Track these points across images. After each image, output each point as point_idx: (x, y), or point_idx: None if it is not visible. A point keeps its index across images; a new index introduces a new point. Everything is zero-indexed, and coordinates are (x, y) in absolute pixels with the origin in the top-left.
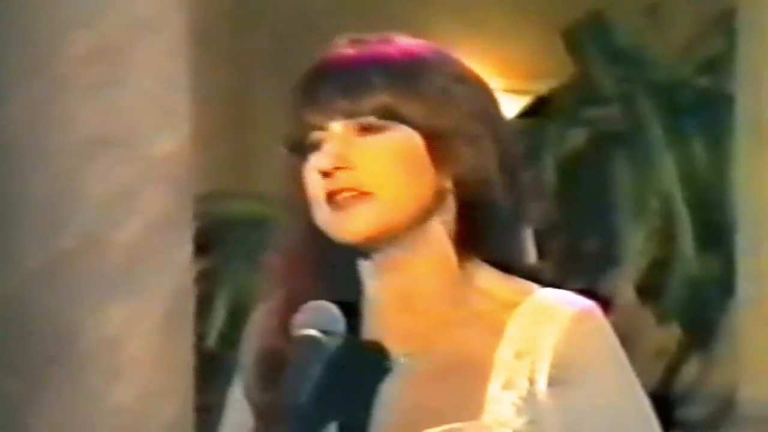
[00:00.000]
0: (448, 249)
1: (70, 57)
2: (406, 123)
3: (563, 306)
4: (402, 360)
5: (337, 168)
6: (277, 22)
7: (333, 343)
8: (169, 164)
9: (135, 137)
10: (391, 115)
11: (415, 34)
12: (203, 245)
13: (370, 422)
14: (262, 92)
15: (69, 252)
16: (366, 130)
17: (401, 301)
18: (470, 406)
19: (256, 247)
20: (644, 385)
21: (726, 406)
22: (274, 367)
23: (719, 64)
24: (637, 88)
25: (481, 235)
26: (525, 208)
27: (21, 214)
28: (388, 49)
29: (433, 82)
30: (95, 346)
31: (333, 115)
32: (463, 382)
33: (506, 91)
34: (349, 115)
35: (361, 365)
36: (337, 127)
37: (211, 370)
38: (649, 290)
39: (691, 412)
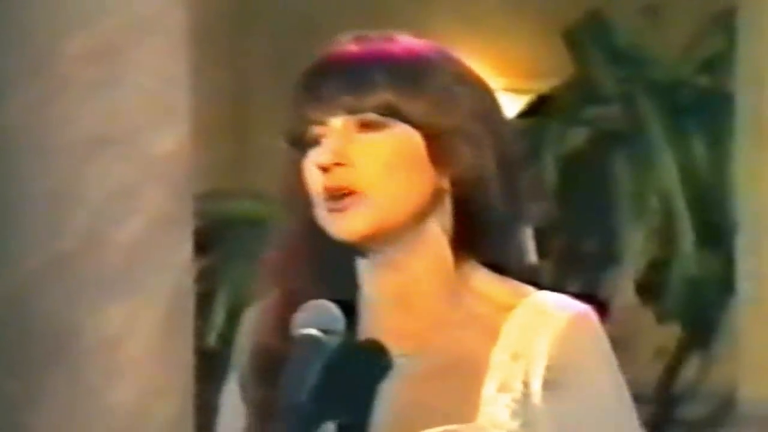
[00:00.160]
0: (445, 250)
1: (69, 56)
2: (406, 121)
3: (559, 310)
4: (398, 360)
5: (336, 164)
6: (276, 22)
7: (333, 342)
8: (169, 164)
9: (135, 137)
10: (392, 113)
11: (416, 33)
12: (203, 244)
13: (368, 421)
14: (262, 92)
15: (69, 251)
16: (366, 126)
17: (397, 300)
18: (465, 407)
19: (255, 247)
20: (644, 384)
21: (726, 405)
22: (270, 365)
23: (719, 63)
24: (637, 87)
25: (478, 237)
26: (523, 209)
27: (20, 213)
28: (391, 47)
29: (435, 81)
30: (95, 346)
31: (334, 110)
32: (458, 383)
33: (506, 90)
34: (350, 111)
35: (361, 364)
36: (337, 122)
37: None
38: (649, 289)
39: (692, 410)
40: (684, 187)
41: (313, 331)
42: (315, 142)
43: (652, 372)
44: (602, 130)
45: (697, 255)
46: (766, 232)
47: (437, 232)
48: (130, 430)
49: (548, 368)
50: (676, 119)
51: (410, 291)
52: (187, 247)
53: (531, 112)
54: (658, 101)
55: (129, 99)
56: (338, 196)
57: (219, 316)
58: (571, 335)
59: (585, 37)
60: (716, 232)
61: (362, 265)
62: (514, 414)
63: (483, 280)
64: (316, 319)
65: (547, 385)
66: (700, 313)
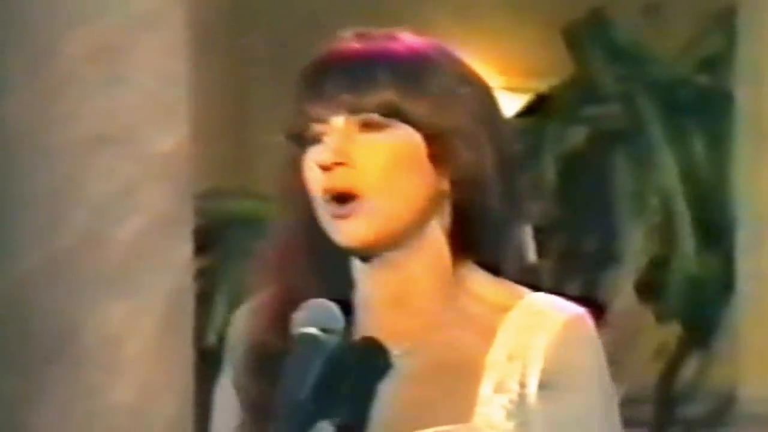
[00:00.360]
0: (444, 250)
1: (70, 55)
2: (408, 122)
3: (555, 312)
4: (393, 359)
5: (337, 163)
6: (276, 21)
7: (333, 341)
8: (169, 162)
9: (135, 135)
10: (394, 113)
11: (416, 33)
12: (203, 243)
13: (366, 421)
14: (261, 90)
15: (69, 250)
16: (367, 126)
17: (393, 299)
18: (460, 407)
19: (255, 246)
20: (644, 384)
21: (726, 404)
22: (265, 362)
23: (719, 62)
24: (637, 86)
25: (476, 237)
26: (522, 210)
27: (21, 212)
28: (394, 46)
29: (437, 81)
30: (95, 344)
31: (336, 108)
32: (454, 383)
33: (506, 89)
34: (352, 110)
35: (361, 363)
36: (338, 121)
37: (210, 369)
38: (649, 288)
39: (691, 409)
40: (684, 187)
41: (313, 330)
42: (315, 139)
43: (652, 371)
44: (602, 129)
45: (697, 254)
46: (766, 231)
47: (438, 233)
48: (130, 429)
49: (544, 370)
50: (676, 118)
51: (406, 290)
52: (187, 246)
53: (530, 111)
54: (658, 100)
55: (129, 98)
56: (340, 200)
57: (219, 316)
58: (567, 338)
59: (585, 36)
60: (716, 231)
61: (358, 264)
62: (510, 415)
63: (479, 281)
64: (315, 318)
65: (542, 386)
66: (700, 313)
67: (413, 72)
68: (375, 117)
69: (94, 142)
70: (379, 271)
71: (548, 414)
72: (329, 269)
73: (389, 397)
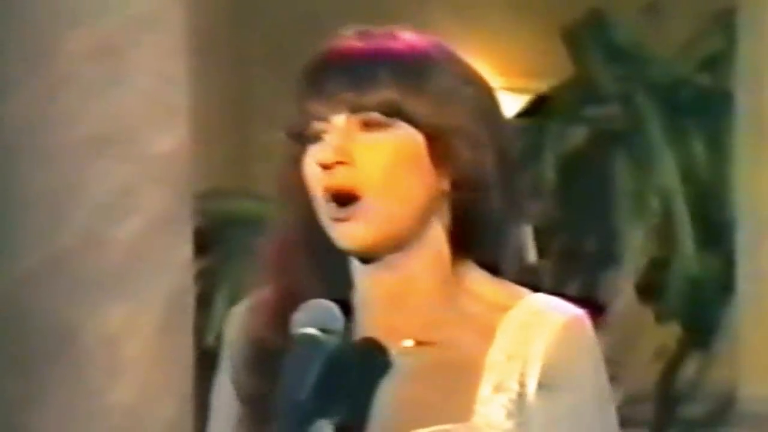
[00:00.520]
0: (444, 250)
1: (69, 56)
2: (409, 121)
3: (554, 313)
4: (393, 358)
5: (338, 162)
6: (276, 21)
7: (332, 341)
8: (169, 163)
9: (134, 136)
10: (395, 112)
11: (417, 31)
12: (203, 244)
13: (366, 420)
14: (261, 91)
15: (68, 250)
16: (368, 126)
17: (392, 298)
18: (460, 406)
19: (255, 245)
20: (644, 384)
21: (726, 404)
22: (264, 358)
23: (719, 61)
24: (636, 86)
25: (475, 237)
26: (522, 210)
27: (20, 212)
28: (395, 45)
29: (439, 80)
30: (95, 345)
31: (337, 107)
32: (453, 382)
33: (506, 89)
34: (353, 108)
35: (361, 363)
36: (339, 120)
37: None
38: (649, 289)
39: (691, 409)
40: (684, 187)
41: (313, 331)
42: (316, 137)
43: (652, 371)
44: (602, 129)
45: (697, 255)
46: (766, 231)
47: (437, 232)
48: (129, 429)
49: (543, 370)
50: (675, 118)
51: (406, 290)
52: (186, 247)
53: (530, 111)
54: (657, 100)
55: (129, 98)
56: (340, 201)
57: (219, 316)
58: (566, 338)
59: (584, 37)
60: (716, 231)
61: (358, 264)
62: (509, 414)
63: (478, 280)
64: (315, 318)
65: (541, 386)
66: (700, 313)
67: (414, 71)
68: (376, 116)
69: (94, 142)
70: (378, 271)
71: (546, 414)
72: (329, 268)
73: (388, 397)
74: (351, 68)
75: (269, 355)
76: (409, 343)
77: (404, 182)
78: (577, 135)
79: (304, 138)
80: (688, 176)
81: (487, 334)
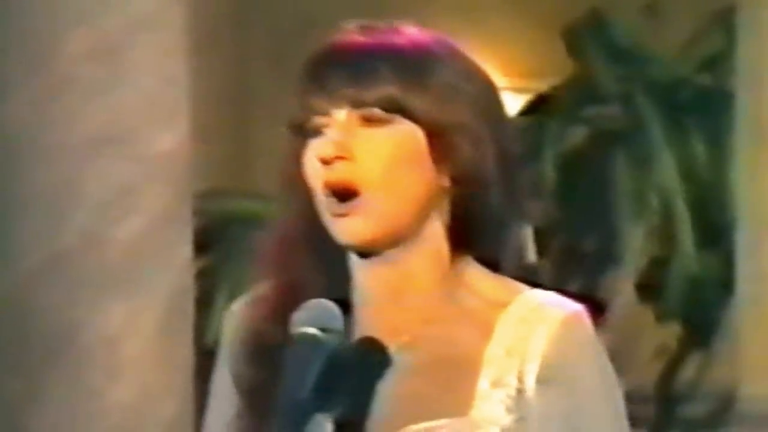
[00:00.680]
0: (443, 246)
1: (70, 56)
2: (410, 116)
3: (553, 308)
4: (391, 354)
5: (338, 157)
6: (276, 21)
7: (332, 340)
8: (169, 162)
9: (135, 135)
10: (396, 108)
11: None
12: (203, 243)
13: (366, 418)
14: (261, 91)
15: (69, 250)
16: (369, 121)
17: (391, 294)
18: (459, 402)
19: (255, 241)
20: (644, 383)
21: (726, 404)
22: (263, 351)
23: (719, 61)
24: (637, 86)
25: (474, 234)
26: (522, 207)
27: (21, 212)
28: (397, 40)
29: (440, 76)
30: (95, 345)
31: (338, 102)
32: (452, 378)
33: (506, 89)
34: (354, 103)
35: (360, 362)
36: (340, 114)
37: (210, 369)
38: (649, 288)
39: (691, 409)
40: (684, 187)
41: (313, 330)
42: (317, 132)
43: (652, 371)
44: (602, 129)
45: (697, 254)
46: (766, 231)
47: (437, 229)
48: (129, 429)
49: (542, 366)
50: (675, 118)
51: (404, 285)
52: (187, 246)
53: (531, 111)
54: (657, 100)
55: (129, 98)
56: (341, 196)
57: (219, 316)
58: (565, 334)
59: (585, 36)
60: (716, 231)
61: (356, 259)
62: (508, 410)
63: (477, 276)
64: (315, 317)
65: (541, 382)
66: (700, 313)
67: (416, 66)
68: (377, 111)
69: (94, 142)
70: (377, 266)
71: (547, 409)
72: (328, 262)
73: (387, 392)
74: (352, 63)
75: (268, 348)
76: (408, 338)
77: (404, 178)
78: (577, 135)
79: (304, 132)
80: (688, 176)
81: (486, 329)
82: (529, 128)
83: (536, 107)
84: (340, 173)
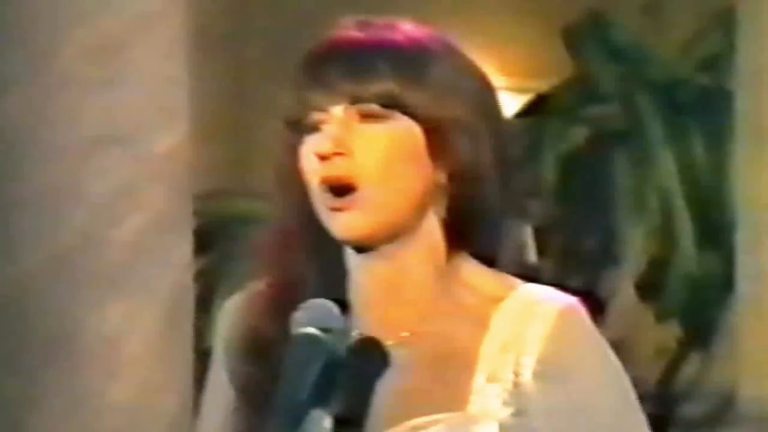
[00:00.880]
0: (439, 242)
1: (69, 55)
2: (408, 113)
3: (548, 302)
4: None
5: (336, 153)
6: (276, 21)
7: (332, 340)
8: (169, 162)
9: (135, 135)
10: (394, 104)
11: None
12: (203, 243)
13: (365, 413)
14: (261, 91)
15: (68, 250)
16: (367, 117)
17: (387, 290)
18: (455, 397)
19: (252, 239)
20: (644, 383)
21: (726, 404)
22: (260, 347)
23: (719, 61)
24: (636, 86)
25: (471, 230)
26: (519, 205)
27: (20, 212)
28: (395, 36)
29: (438, 72)
30: (95, 344)
31: (336, 97)
32: (448, 373)
33: (506, 89)
34: (352, 99)
35: (360, 362)
36: (338, 110)
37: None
38: (648, 288)
39: (691, 409)
40: (684, 186)
41: (313, 330)
42: (314, 128)
43: (652, 371)
44: (602, 128)
45: (696, 254)
46: (765, 231)
47: (433, 224)
48: (129, 428)
49: (538, 359)
50: (675, 118)
51: (400, 281)
52: (187, 246)
53: (531, 111)
54: (657, 100)
55: (129, 98)
56: (338, 191)
57: None
58: (561, 327)
59: (584, 36)
60: (716, 231)
61: (352, 254)
62: (505, 404)
63: (472, 271)
64: (315, 317)
65: (538, 375)
66: (700, 312)
67: (414, 62)
68: (374, 107)
69: (93, 142)
70: (373, 261)
71: (549, 403)
72: (324, 258)
73: (385, 388)
74: (350, 58)
75: (265, 345)
76: (404, 334)
77: (402, 174)
78: (577, 135)
79: (301, 127)
80: (688, 176)
81: (482, 324)
82: (529, 128)
83: (536, 107)
84: (338, 169)
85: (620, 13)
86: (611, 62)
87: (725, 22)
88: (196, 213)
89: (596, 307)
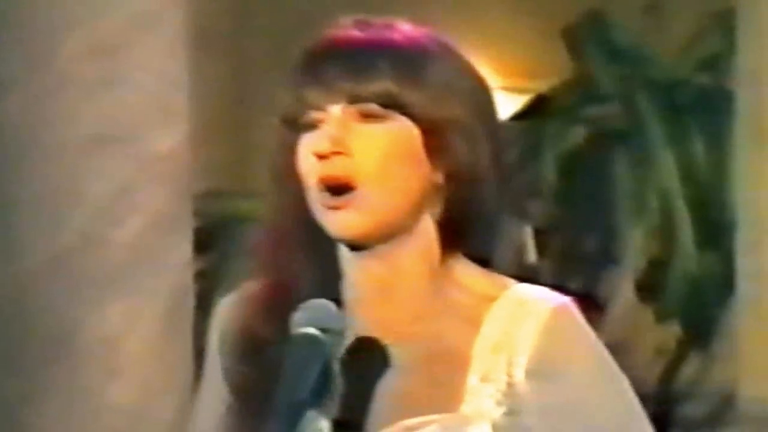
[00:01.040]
0: (434, 242)
1: (69, 55)
2: (406, 113)
3: (540, 301)
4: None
5: (335, 152)
6: (276, 21)
7: (332, 340)
8: (169, 163)
9: (134, 135)
10: (392, 103)
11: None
12: (203, 244)
13: (362, 416)
14: (261, 91)
15: (68, 250)
16: (365, 117)
17: (381, 289)
18: (449, 397)
19: (249, 239)
20: (644, 383)
21: (726, 404)
22: (255, 348)
23: (719, 61)
24: (636, 86)
25: (466, 230)
26: (517, 205)
27: (20, 212)
28: (394, 35)
29: (436, 72)
30: (94, 345)
31: (335, 96)
32: (442, 373)
33: (506, 89)
34: (351, 98)
35: (360, 362)
36: (336, 110)
37: None
38: (649, 288)
39: (691, 409)
40: (684, 186)
41: (313, 330)
42: (311, 126)
43: (652, 371)
44: (602, 129)
45: (696, 254)
46: (765, 231)
47: (428, 225)
48: (129, 429)
49: (531, 359)
50: (675, 118)
51: (394, 281)
52: (186, 247)
53: (530, 111)
54: (657, 100)
55: (129, 98)
56: (335, 190)
57: None
58: (553, 326)
59: (584, 36)
60: (716, 231)
61: (347, 253)
62: (498, 403)
63: (465, 272)
64: (315, 318)
65: (531, 374)
66: (700, 313)
67: (412, 62)
68: (373, 107)
69: (93, 142)
70: (367, 261)
71: (542, 402)
72: (319, 257)
73: (380, 388)
74: (349, 57)
75: (260, 345)
76: (398, 335)
77: (399, 174)
78: (577, 135)
79: (298, 126)
80: (688, 176)
81: (474, 324)
82: (529, 129)
83: (536, 107)
84: (337, 168)
85: (620, 14)
86: (611, 62)
87: (725, 22)
88: (196, 213)
89: (594, 308)
